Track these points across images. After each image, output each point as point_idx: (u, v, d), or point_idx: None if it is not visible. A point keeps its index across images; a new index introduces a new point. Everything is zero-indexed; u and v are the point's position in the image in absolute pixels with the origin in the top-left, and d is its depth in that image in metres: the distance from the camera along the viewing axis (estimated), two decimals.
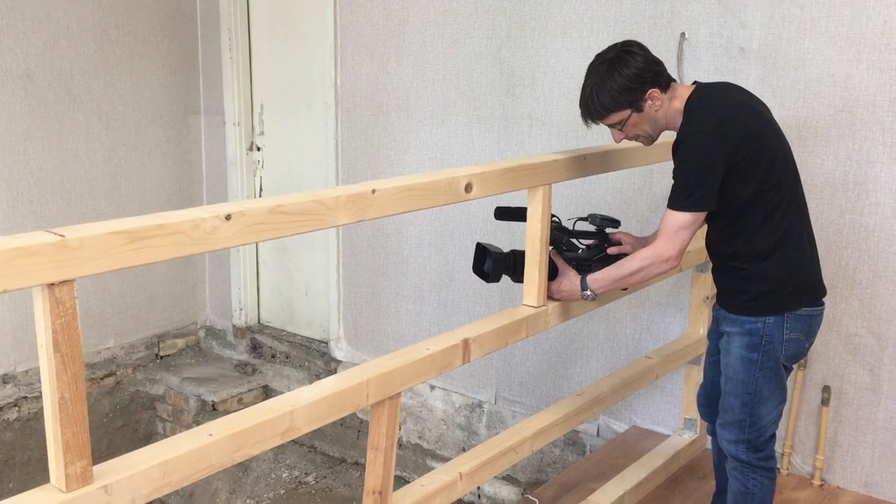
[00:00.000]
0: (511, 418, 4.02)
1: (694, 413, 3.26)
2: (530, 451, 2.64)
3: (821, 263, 2.47)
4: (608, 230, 2.62)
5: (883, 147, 2.92)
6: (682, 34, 3.27)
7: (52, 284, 1.38)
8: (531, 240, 2.40)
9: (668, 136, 2.40)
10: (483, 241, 2.60)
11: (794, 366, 2.83)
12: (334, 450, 4.67)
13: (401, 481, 3.98)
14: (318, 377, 4.61)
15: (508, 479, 4.01)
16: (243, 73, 4.92)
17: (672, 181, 2.28)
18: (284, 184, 4.93)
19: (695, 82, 2.39)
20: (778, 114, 2.53)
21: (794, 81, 3.05)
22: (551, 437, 2.71)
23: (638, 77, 2.27)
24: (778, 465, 3.17)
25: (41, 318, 1.39)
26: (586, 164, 2.55)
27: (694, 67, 3.26)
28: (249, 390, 4.92)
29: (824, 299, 2.43)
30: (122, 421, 4.93)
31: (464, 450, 4.14)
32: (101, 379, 4.83)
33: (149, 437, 5.00)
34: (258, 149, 5.02)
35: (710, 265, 2.54)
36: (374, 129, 4.28)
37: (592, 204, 3.59)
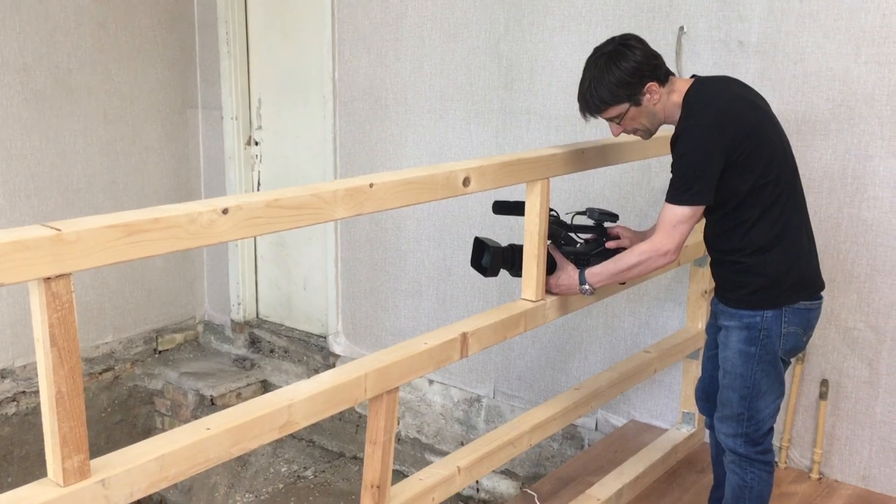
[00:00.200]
0: (509, 412, 4.02)
1: (692, 407, 3.26)
2: (528, 446, 2.64)
3: (819, 257, 2.46)
4: (606, 224, 2.62)
5: (881, 141, 2.92)
6: (681, 28, 3.27)
7: (49, 278, 1.37)
8: (529, 234, 2.40)
9: (667, 130, 2.40)
10: (481, 235, 2.60)
11: (793, 360, 2.83)
12: (333, 444, 4.67)
13: (399, 475, 3.99)
14: (317, 372, 4.61)
15: (507, 473, 4.01)
16: (241, 68, 4.91)
17: (670, 175, 2.28)
18: (282, 178, 4.92)
19: (693, 76, 2.39)
20: (776, 108, 2.52)
21: (793, 75, 3.05)
22: (549, 431, 2.71)
23: (636, 71, 2.26)
24: (776, 459, 3.17)
25: (38, 312, 1.39)
26: (584, 158, 2.55)
27: (692, 61, 3.25)
28: (248, 385, 4.92)
29: (822, 293, 2.43)
30: (120, 416, 4.93)
31: (462, 444, 4.15)
32: (100, 374, 4.83)
33: (147, 432, 5.00)
34: (256, 143, 5.01)
35: (709, 259, 2.54)
36: (372, 123, 4.28)
37: (591, 198, 3.59)
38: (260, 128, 4.98)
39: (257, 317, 5.23)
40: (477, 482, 4.04)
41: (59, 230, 1.38)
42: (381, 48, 4.16)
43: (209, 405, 4.77)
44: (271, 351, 5.06)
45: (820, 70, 2.99)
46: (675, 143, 2.28)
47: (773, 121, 2.34)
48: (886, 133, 2.91)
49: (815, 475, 3.20)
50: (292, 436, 4.72)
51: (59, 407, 1.42)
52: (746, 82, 2.47)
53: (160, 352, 5.16)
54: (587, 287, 2.42)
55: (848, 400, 3.14)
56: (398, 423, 4.42)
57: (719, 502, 2.66)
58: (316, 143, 4.65)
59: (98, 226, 1.43)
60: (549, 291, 2.49)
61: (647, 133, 2.40)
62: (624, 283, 2.62)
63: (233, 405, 2.27)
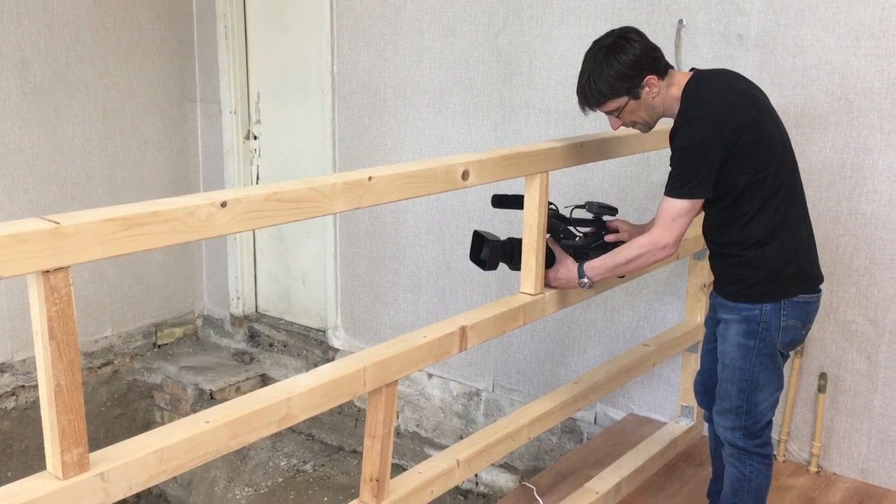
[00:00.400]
0: (509, 406, 4.02)
1: (691, 400, 3.27)
2: (527, 439, 2.64)
3: (818, 251, 2.47)
4: (605, 218, 2.62)
5: (881, 134, 2.92)
6: (680, 21, 3.26)
7: (47, 271, 1.37)
8: (528, 227, 2.40)
9: (666, 124, 2.40)
10: (480, 228, 2.60)
11: (791, 353, 2.83)
12: (332, 438, 4.68)
13: (399, 469, 3.99)
14: (316, 366, 4.61)
15: (506, 466, 4.02)
16: (239, 62, 4.90)
17: (669, 168, 2.27)
18: (281, 172, 4.92)
19: (692, 69, 2.39)
20: (776, 101, 2.52)
21: (792, 68, 3.05)
22: (548, 424, 2.72)
23: (635, 64, 2.26)
24: (774, 452, 3.18)
25: (36, 305, 1.39)
26: (584, 151, 2.55)
27: (692, 54, 3.25)
28: (247, 379, 4.92)
29: (821, 286, 2.43)
30: (119, 410, 4.93)
31: (461, 438, 4.15)
32: (99, 368, 4.84)
33: (146, 426, 5.01)
34: (255, 137, 5.00)
35: (707, 253, 2.54)
36: (371, 117, 4.27)
37: (590, 191, 3.59)
38: (259, 122, 4.98)
39: (256, 311, 5.23)
40: (476, 476, 4.05)
41: (58, 223, 1.38)
42: (379, 42, 4.16)
43: (208, 399, 4.77)
44: (270, 345, 5.07)
45: (819, 63, 2.99)
46: (674, 136, 2.28)
47: (772, 114, 2.34)
48: (885, 126, 2.91)
49: (813, 468, 3.21)
50: (291, 430, 4.72)
51: (57, 400, 1.42)
52: (746, 75, 2.47)
53: (159, 346, 5.16)
54: (586, 280, 2.42)
55: (846, 393, 3.14)
56: (397, 417, 4.42)
57: (718, 495, 2.67)
58: (315, 138, 4.65)
59: (96, 219, 1.43)
60: (548, 285, 2.49)
61: (646, 126, 2.40)
62: (623, 277, 2.62)
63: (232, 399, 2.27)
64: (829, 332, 3.13)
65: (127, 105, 4.77)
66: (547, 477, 3.19)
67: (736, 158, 2.22)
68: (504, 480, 4.01)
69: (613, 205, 2.67)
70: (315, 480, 4.43)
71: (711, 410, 2.55)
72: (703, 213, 2.42)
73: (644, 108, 2.33)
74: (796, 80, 3.05)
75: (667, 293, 3.51)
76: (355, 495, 2.21)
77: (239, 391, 4.84)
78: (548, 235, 2.47)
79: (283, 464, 4.58)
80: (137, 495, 4.62)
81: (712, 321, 2.55)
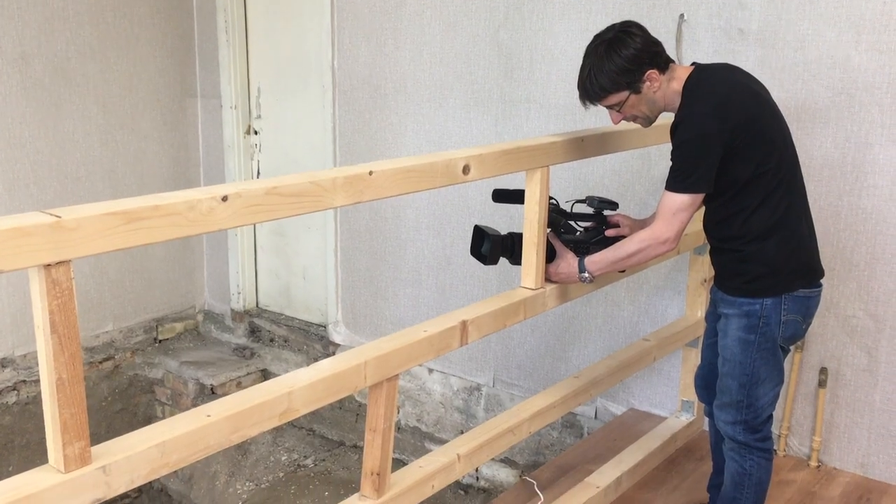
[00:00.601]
0: (509, 401, 4.03)
1: (691, 395, 3.27)
2: (528, 434, 2.65)
3: (819, 246, 2.46)
4: (606, 212, 2.61)
5: (881, 129, 2.92)
6: (682, 15, 3.26)
7: (49, 265, 1.37)
8: (529, 222, 2.40)
9: (667, 118, 2.40)
10: (481, 223, 2.60)
11: (792, 347, 2.84)
12: (333, 433, 4.68)
13: (399, 464, 3.99)
14: (317, 361, 4.62)
15: (506, 461, 4.02)
16: (240, 56, 4.90)
17: (670, 163, 2.27)
18: (282, 167, 4.92)
19: (693, 63, 2.38)
20: (777, 96, 2.52)
21: (794, 63, 3.04)
22: (549, 419, 2.72)
23: (636, 58, 2.26)
24: (775, 447, 3.18)
25: (38, 299, 1.39)
26: (584, 146, 2.54)
27: (693, 49, 3.24)
28: (248, 374, 4.93)
29: (822, 281, 2.43)
30: (120, 405, 4.94)
31: (462, 433, 4.15)
32: (100, 363, 4.84)
33: (148, 421, 5.01)
34: (255, 132, 5.00)
35: (708, 247, 2.54)
36: (371, 111, 4.27)
37: (590, 186, 3.59)
38: (259, 117, 4.98)
39: (257, 306, 5.24)
40: (477, 470, 4.05)
41: (59, 217, 1.38)
42: (380, 37, 4.15)
43: (209, 394, 4.77)
44: (271, 340, 5.07)
45: (820, 58, 2.99)
46: (675, 130, 2.28)
47: (773, 109, 2.34)
48: (886, 121, 2.90)
49: (813, 463, 3.21)
50: (292, 424, 4.72)
51: (59, 393, 1.42)
52: (747, 70, 2.46)
53: (160, 341, 5.16)
54: (586, 275, 2.42)
55: (847, 388, 3.14)
56: (398, 412, 4.43)
57: (718, 489, 2.67)
58: (315, 132, 4.65)
59: (98, 213, 1.43)
60: (548, 279, 2.49)
61: (647, 121, 2.40)
62: (623, 271, 2.62)
63: None
64: (830, 327, 3.13)
65: (127, 100, 4.77)
66: (547, 471, 3.19)
67: (737, 153, 2.22)
68: (505, 475, 4.02)
69: (614, 199, 2.67)
70: (316, 475, 4.44)
71: (712, 405, 2.56)
72: (703, 208, 2.42)
73: (645, 103, 2.32)
74: (797, 74, 3.04)
75: (667, 288, 3.51)
76: (356, 490, 2.21)
77: (240, 386, 4.84)
78: (548, 230, 2.47)
79: (283, 458, 4.59)
80: (139, 489, 4.63)
81: (713, 316, 2.55)
